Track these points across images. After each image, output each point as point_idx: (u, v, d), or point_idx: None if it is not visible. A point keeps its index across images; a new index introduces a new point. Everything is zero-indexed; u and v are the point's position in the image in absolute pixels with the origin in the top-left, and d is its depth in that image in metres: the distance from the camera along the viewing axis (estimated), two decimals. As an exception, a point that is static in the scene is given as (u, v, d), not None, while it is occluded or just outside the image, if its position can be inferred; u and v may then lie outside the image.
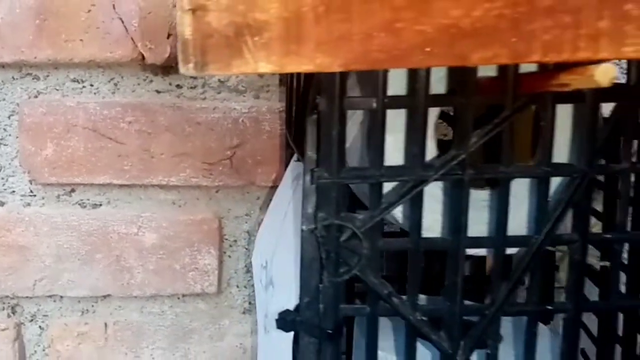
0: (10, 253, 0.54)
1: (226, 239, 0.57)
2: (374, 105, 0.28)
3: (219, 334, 0.58)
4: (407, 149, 0.30)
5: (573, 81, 0.24)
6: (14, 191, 0.55)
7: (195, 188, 0.55)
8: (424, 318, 0.31)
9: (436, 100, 0.29)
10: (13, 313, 0.57)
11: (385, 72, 0.28)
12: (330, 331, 0.31)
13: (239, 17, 0.23)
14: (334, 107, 0.28)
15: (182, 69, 0.23)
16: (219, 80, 0.54)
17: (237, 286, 0.58)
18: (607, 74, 0.23)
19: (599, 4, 0.24)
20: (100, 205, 0.55)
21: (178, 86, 0.54)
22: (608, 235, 0.31)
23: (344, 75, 0.28)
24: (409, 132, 0.29)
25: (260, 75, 0.54)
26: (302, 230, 0.31)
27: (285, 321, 0.31)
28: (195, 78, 0.54)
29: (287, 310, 0.31)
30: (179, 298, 0.58)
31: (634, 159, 0.30)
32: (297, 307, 0.32)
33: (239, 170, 0.55)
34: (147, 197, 0.56)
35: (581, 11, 0.24)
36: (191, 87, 0.54)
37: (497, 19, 0.24)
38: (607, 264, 0.38)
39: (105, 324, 0.57)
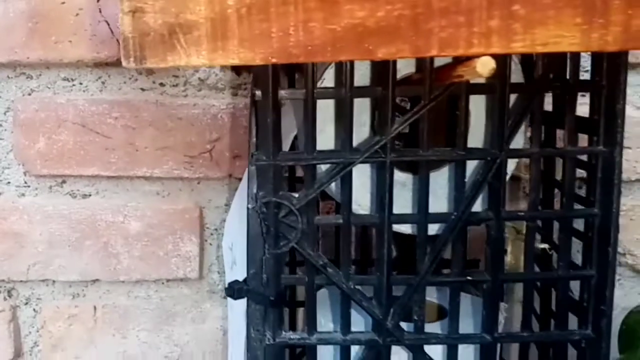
0: (6, 240, 0.59)
1: (207, 228, 0.62)
2: (302, 96, 0.33)
3: (201, 317, 0.63)
4: (337, 135, 0.34)
5: (464, 73, 0.29)
6: (9, 182, 0.60)
7: (177, 179, 0.60)
8: (356, 287, 0.36)
9: (359, 91, 0.33)
10: (9, 296, 0.61)
11: (314, 65, 0.33)
12: (272, 298, 0.35)
13: (172, 17, 0.27)
14: (267, 98, 0.32)
15: (124, 62, 0.28)
16: (199, 78, 0.59)
17: (218, 272, 0.62)
18: (486, 65, 0.27)
19: (489, 5, 0.28)
20: (90, 195, 0.60)
21: (161, 84, 0.59)
22: (521, 213, 0.35)
23: (276, 69, 0.32)
24: (337, 120, 0.34)
25: (238, 74, 0.59)
26: (247, 209, 0.35)
27: (233, 290, 0.35)
28: (177, 77, 0.59)
29: (236, 281, 0.35)
30: (163, 283, 0.62)
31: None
32: (246, 279, 0.37)
33: (218, 162, 0.59)
34: (133, 189, 0.60)
35: (473, 12, 0.29)
36: (173, 85, 0.59)
37: (398, 19, 0.28)
38: (547, 246, 0.42)
39: (95, 307, 0.62)
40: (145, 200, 0.61)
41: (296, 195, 0.34)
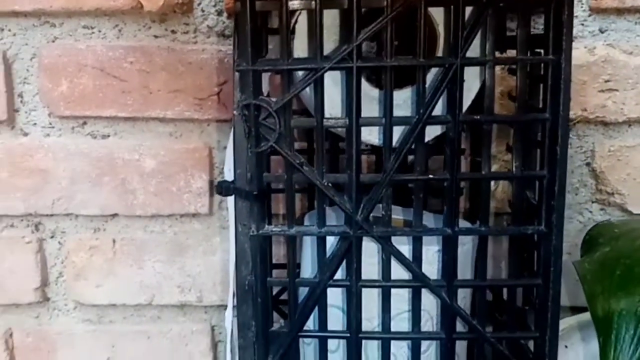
0: (33, 176, 0.66)
1: (216, 167, 0.67)
2: (277, 7, 0.38)
3: (211, 250, 0.68)
4: (309, 45, 0.39)
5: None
6: (35, 123, 0.66)
7: (188, 121, 0.66)
8: (329, 184, 0.41)
9: (327, 3, 0.38)
10: (36, 230, 0.68)
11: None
12: (255, 193, 0.40)
13: None
14: (246, 8, 0.37)
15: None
16: (208, 26, 0.64)
17: (227, 209, 0.68)
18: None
19: None
20: (108, 136, 0.66)
21: (173, 32, 0.65)
22: (477, 117, 0.40)
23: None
24: (309, 31, 0.39)
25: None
26: (233, 114, 0.41)
27: (221, 188, 0.40)
28: (187, 24, 0.64)
29: (225, 180, 0.41)
30: (176, 218, 0.68)
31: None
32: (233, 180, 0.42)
33: (225, 104, 0.65)
34: (147, 129, 0.66)
35: None
36: (184, 32, 0.65)
37: None
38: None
39: (114, 240, 0.68)
40: (159, 140, 0.66)
41: (274, 99, 0.39)
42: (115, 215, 0.68)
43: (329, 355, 0.46)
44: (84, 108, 0.65)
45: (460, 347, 0.48)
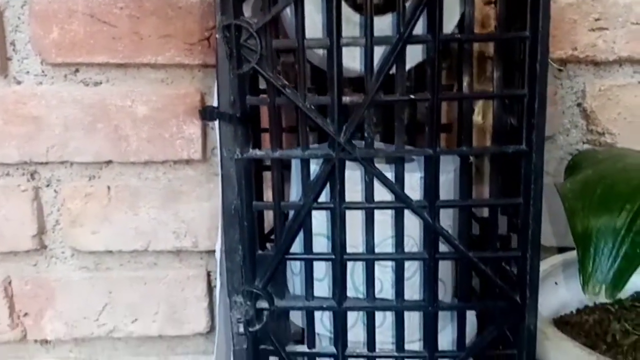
0: (26, 123, 0.67)
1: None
2: None
3: (205, 196, 0.69)
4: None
5: None
6: (28, 72, 0.67)
7: (179, 67, 0.66)
8: (312, 107, 0.41)
9: None
10: (32, 178, 0.69)
11: None
12: (239, 116, 0.41)
13: None
14: None
15: None
16: (197, -30, 0.64)
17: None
18: None
19: None
20: (101, 83, 0.67)
21: (161, -24, 0.65)
22: (458, 36, 0.40)
23: None
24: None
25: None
26: (216, 39, 0.41)
27: (206, 112, 0.41)
28: (176, -31, 0.65)
29: (209, 105, 0.41)
30: (170, 165, 0.69)
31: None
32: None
33: (216, 49, 0.65)
34: (139, 76, 0.67)
35: None
36: (173, -23, 0.65)
37: None
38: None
39: (108, 187, 0.69)
40: (151, 86, 0.67)
41: (255, 20, 0.40)
42: (109, 162, 0.69)
43: (316, 283, 0.47)
44: (76, 55, 0.66)
45: (445, 273, 0.49)
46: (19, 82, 0.67)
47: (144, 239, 0.70)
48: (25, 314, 0.72)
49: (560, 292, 0.64)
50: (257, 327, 0.45)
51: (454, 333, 0.46)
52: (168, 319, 0.72)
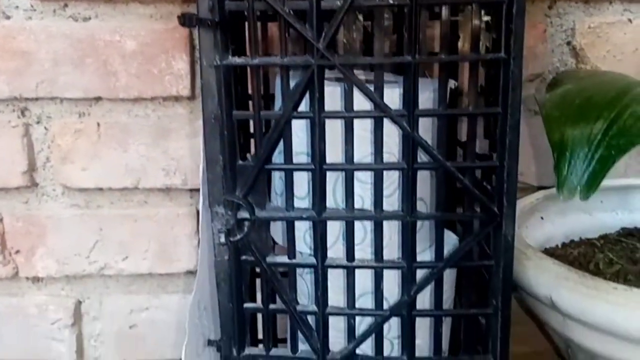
0: (16, 58, 0.67)
1: (197, 49, 0.68)
2: None
3: (194, 133, 0.70)
4: None
5: None
6: (17, 6, 0.67)
7: (168, 2, 0.67)
8: (291, 12, 0.42)
9: None
10: (22, 115, 0.70)
11: None
12: (217, 21, 0.41)
13: None
14: None
15: None
16: None
17: (208, 91, 0.69)
18: None
19: None
20: (90, 18, 0.67)
21: None
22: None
23: None
24: None
25: None
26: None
27: (184, 18, 0.41)
28: None
29: (188, 12, 0.42)
30: (159, 102, 0.69)
31: None
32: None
33: (204, -16, 0.65)
34: (128, 12, 0.67)
35: None
36: None
37: None
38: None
39: (98, 124, 0.70)
40: (140, 22, 0.67)
41: None
42: (99, 99, 0.69)
43: (297, 201, 0.48)
44: (64, -11, 0.66)
45: (425, 192, 0.49)
46: (8, 17, 0.67)
47: (134, 176, 0.71)
48: (17, 251, 0.73)
49: (546, 226, 0.65)
50: (238, 237, 0.45)
51: (432, 253, 0.47)
52: (158, 257, 0.73)
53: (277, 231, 0.53)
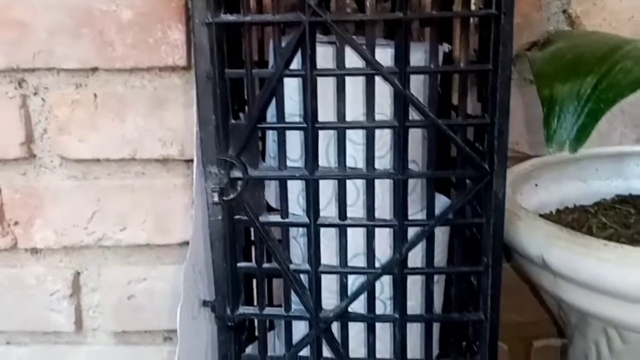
0: (13, 28, 0.67)
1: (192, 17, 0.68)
2: None
3: (190, 103, 0.70)
4: None
5: None
6: (14, -23, 0.67)
7: (164, -29, 0.67)
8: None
9: None
10: (20, 86, 0.70)
11: None
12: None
13: None
14: None
15: None
16: None
17: (205, 62, 0.69)
18: None
19: None
20: (86, -11, 0.67)
21: None
22: None
23: None
24: None
25: None
26: None
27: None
28: None
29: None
30: (156, 73, 0.70)
31: None
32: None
33: (200, -47, 0.65)
34: (124, -19, 0.67)
35: None
36: None
37: None
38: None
39: (95, 94, 0.70)
40: (136, -9, 0.67)
41: None
42: (95, 69, 0.69)
43: (290, 164, 0.48)
44: (59, -40, 0.66)
45: (416, 154, 0.49)
46: (4, -12, 0.67)
47: (131, 147, 0.71)
48: (16, 223, 0.73)
49: (540, 193, 0.65)
50: (232, 196, 0.46)
51: (424, 216, 0.47)
52: (156, 228, 0.74)
53: (271, 195, 0.53)
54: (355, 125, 0.45)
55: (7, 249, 0.74)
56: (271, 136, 0.50)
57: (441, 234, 0.53)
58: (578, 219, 0.61)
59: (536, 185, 0.64)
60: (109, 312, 0.76)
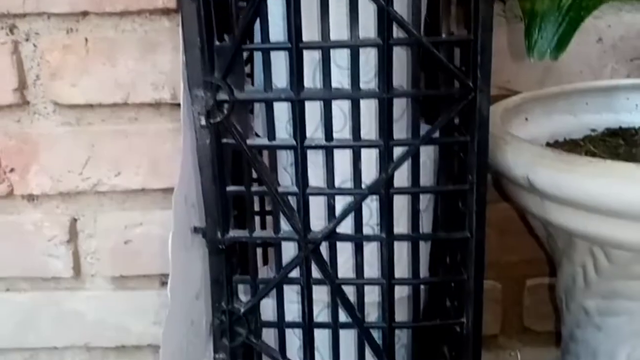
0: (2, -28, 0.68)
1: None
2: None
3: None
4: None
5: None
6: None
7: None
8: None
9: None
10: (11, 32, 0.70)
11: None
12: None
13: None
14: None
15: None
16: None
17: (194, 4, 0.69)
18: None
19: None
20: None
21: None
22: None
23: None
24: None
25: None
26: None
27: None
28: None
29: None
30: (146, 16, 0.70)
31: None
32: None
33: None
34: None
35: None
36: None
37: None
38: None
39: (86, 39, 0.70)
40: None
41: None
42: (85, 13, 0.70)
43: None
44: None
45: (401, 78, 0.50)
46: None
47: (123, 91, 0.72)
48: (12, 170, 0.74)
49: (530, 127, 0.65)
50: (219, 119, 0.46)
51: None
52: (151, 173, 0.74)
53: (258, 126, 0.54)
54: (339, 44, 0.45)
55: (4, 195, 0.75)
56: (259, 67, 0.50)
57: (429, 162, 0.53)
58: (568, 152, 0.61)
59: (526, 119, 0.64)
60: (106, 257, 0.77)
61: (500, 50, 0.71)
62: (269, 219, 0.63)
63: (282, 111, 0.50)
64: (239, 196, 0.49)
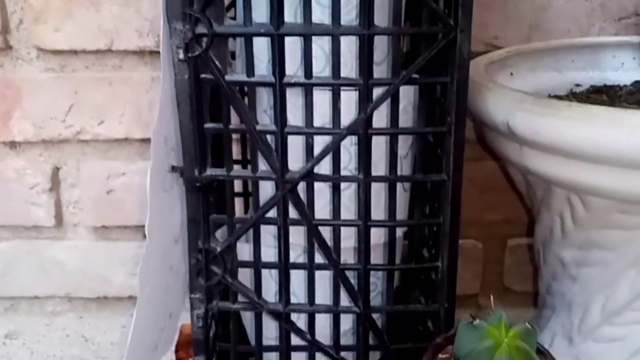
0: None
1: None
2: None
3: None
4: None
5: None
6: None
7: None
8: None
9: None
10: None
11: None
12: None
13: None
14: None
15: None
16: None
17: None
18: None
19: None
20: None
21: None
22: None
23: None
24: None
25: None
26: None
27: None
28: None
29: None
30: (133, -38, 0.69)
31: None
32: None
33: None
34: None
35: None
36: None
37: None
38: None
39: (71, -17, 0.69)
40: None
41: None
42: (70, -43, 0.69)
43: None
44: None
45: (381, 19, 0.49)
46: None
47: (107, 38, 0.71)
48: (-6, 115, 0.73)
49: (515, 82, 0.65)
50: (197, 52, 0.46)
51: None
52: (134, 121, 0.74)
53: (239, 66, 0.54)
54: None
55: (-14, 142, 0.74)
56: (240, 2, 0.50)
57: (410, 108, 0.53)
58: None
59: (511, 74, 0.64)
60: (88, 207, 0.77)
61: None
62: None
63: (262, 51, 0.49)
64: (218, 140, 0.49)
